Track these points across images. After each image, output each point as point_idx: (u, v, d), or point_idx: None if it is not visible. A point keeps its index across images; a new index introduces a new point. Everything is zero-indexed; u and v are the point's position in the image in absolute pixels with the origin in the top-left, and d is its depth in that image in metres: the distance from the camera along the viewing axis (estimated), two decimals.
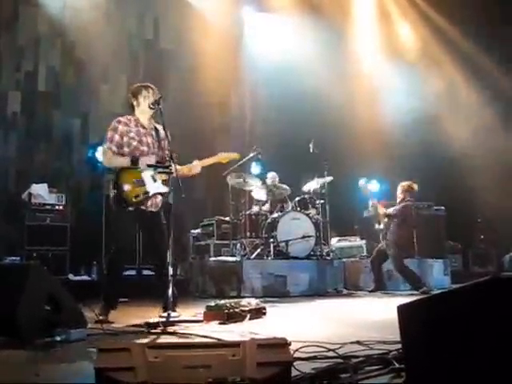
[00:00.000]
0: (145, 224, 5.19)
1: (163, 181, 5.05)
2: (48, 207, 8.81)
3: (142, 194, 4.96)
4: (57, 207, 8.90)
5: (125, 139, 5.09)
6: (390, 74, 12.90)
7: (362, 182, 8.98)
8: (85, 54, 10.77)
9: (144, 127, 5.23)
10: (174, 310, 4.82)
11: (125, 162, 5.00)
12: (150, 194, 5.02)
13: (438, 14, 12.98)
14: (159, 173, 5.06)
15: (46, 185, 8.96)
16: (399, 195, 8.78)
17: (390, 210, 8.61)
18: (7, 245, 8.94)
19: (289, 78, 12.07)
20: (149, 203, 5.07)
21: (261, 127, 12.17)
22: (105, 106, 10.98)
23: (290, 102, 11.87)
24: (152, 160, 5.06)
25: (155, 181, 5.03)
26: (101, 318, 4.71)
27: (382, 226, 8.73)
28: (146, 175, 5.00)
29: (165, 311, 4.81)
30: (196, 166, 5.31)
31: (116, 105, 11.09)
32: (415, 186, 8.78)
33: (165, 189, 5.07)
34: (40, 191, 8.83)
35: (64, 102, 10.73)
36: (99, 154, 9.20)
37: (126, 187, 4.94)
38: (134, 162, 4.99)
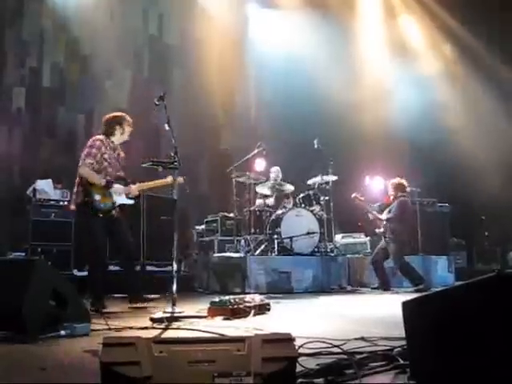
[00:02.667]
0: (110, 228, 5.88)
1: (126, 195, 5.99)
2: (52, 203, 8.81)
3: (110, 203, 5.82)
4: (61, 203, 8.90)
5: (98, 157, 5.83)
6: (397, 72, 12.87)
7: (354, 194, 9.01)
8: (89, 49, 10.78)
9: (114, 150, 6.06)
10: (137, 302, 5.71)
11: (102, 182, 5.78)
12: (116, 205, 5.88)
13: (445, 12, 12.92)
14: (164, 168, 5.30)
15: (50, 180, 8.96)
16: (391, 193, 8.86)
17: (390, 215, 8.60)
18: (12, 240, 8.95)
19: (294, 74, 12.08)
20: (113, 211, 5.89)
21: (266, 124, 12.16)
22: (109, 101, 10.99)
23: (295, 99, 11.87)
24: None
25: (120, 194, 5.92)
26: (101, 310, 5.35)
27: (381, 230, 8.74)
28: (114, 190, 5.87)
29: (131, 302, 5.79)
30: (134, 189, 6.06)
31: (120, 100, 11.12)
32: (405, 182, 8.87)
33: (129, 201, 6.03)
34: (45, 187, 8.83)
35: (68, 97, 10.74)
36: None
37: (98, 197, 5.74)
38: (109, 186, 5.83)
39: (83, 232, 6.18)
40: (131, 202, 6.05)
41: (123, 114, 6.18)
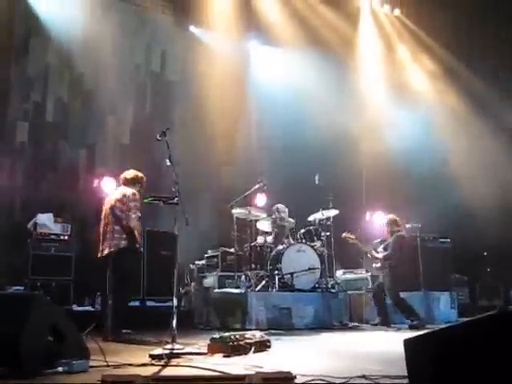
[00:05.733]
0: None
1: None
2: (53, 237, 8.81)
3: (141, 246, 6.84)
4: (62, 237, 8.90)
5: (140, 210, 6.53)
6: (395, 107, 12.99)
7: (344, 234, 9.00)
8: (93, 85, 10.90)
9: None
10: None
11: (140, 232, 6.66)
12: None
13: (442, 49, 13.12)
14: (164, 203, 5.39)
15: (51, 214, 8.98)
16: (386, 229, 8.86)
17: (387, 253, 8.55)
18: (12, 274, 8.91)
19: (294, 110, 12.17)
20: None
21: (266, 159, 12.22)
22: (111, 136, 11.09)
23: (296, 134, 11.94)
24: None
25: None
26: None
27: (379, 265, 8.69)
28: None
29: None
30: None
31: (122, 136, 11.22)
32: (396, 218, 8.83)
33: None
34: (45, 221, 8.85)
35: (71, 132, 10.82)
36: (105, 185, 9.23)
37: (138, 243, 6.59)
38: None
39: (125, 269, 6.48)
40: None
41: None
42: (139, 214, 6.46)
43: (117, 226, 6.42)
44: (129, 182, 6.70)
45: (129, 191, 6.55)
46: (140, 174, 6.80)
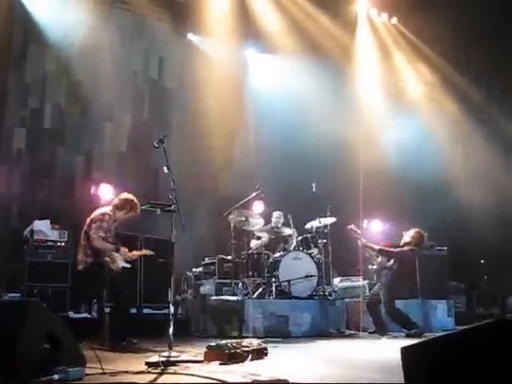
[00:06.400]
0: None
1: (125, 260, 6.69)
2: (50, 243, 8.78)
3: (116, 266, 6.54)
4: (59, 244, 8.87)
5: (106, 229, 6.49)
6: (393, 114, 13.01)
7: (350, 226, 8.87)
8: (90, 92, 10.91)
9: (114, 222, 6.65)
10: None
11: (112, 248, 6.52)
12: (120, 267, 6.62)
13: (439, 58, 13.17)
14: (162, 210, 5.35)
15: (48, 221, 8.95)
16: (406, 239, 8.69)
17: (383, 248, 8.55)
18: (8, 281, 8.88)
19: (292, 117, 12.19)
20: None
21: (264, 166, 12.22)
22: (109, 143, 11.09)
23: (294, 142, 11.95)
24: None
25: (121, 259, 6.61)
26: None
27: (375, 267, 8.68)
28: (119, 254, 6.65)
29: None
30: (132, 255, 6.85)
31: (120, 142, 11.22)
32: (425, 237, 8.69)
33: (128, 265, 6.70)
34: (42, 227, 8.82)
35: (68, 139, 10.82)
36: (102, 192, 9.25)
37: (107, 259, 6.48)
38: (117, 251, 6.62)
39: (95, 281, 6.50)
40: (129, 266, 6.73)
41: (137, 203, 6.65)
42: (101, 235, 6.41)
43: (84, 242, 6.53)
44: (117, 207, 6.67)
45: (99, 212, 6.60)
46: (129, 198, 6.67)
